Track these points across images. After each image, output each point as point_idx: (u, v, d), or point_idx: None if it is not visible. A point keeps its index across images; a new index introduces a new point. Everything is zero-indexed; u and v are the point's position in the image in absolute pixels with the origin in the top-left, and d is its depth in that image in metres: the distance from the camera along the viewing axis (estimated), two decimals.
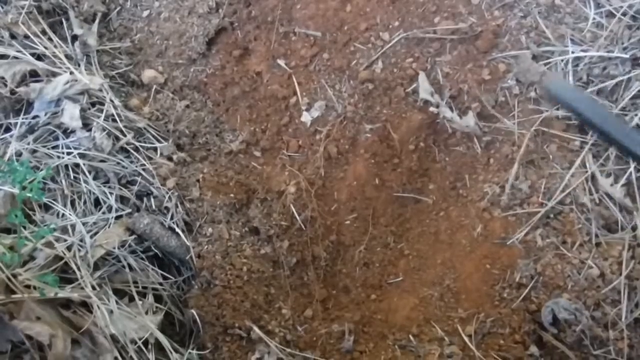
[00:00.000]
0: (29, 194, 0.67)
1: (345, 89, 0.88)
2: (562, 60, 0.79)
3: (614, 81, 0.77)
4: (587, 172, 0.76)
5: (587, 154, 0.77)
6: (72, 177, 0.82)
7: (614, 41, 0.78)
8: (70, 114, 0.84)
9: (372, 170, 0.85)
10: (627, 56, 0.76)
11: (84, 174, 0.82)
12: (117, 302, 0.73)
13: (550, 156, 0.77)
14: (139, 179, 0.83)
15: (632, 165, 0.74)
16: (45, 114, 0.85)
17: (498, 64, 0.82)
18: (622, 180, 0.74)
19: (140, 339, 0.72)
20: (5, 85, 0.86)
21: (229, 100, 0.95)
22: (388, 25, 0.87)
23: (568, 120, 0.78)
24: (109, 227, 0.79)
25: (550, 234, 0.74)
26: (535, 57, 0.80)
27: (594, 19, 0.80)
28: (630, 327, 0.68)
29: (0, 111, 0.86)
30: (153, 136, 0.88)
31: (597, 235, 0.73)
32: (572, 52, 0.79)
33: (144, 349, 0.72)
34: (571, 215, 0.74)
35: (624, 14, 0.78)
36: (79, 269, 0.73)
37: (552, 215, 0.76)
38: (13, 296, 0.66)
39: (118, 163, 0.84)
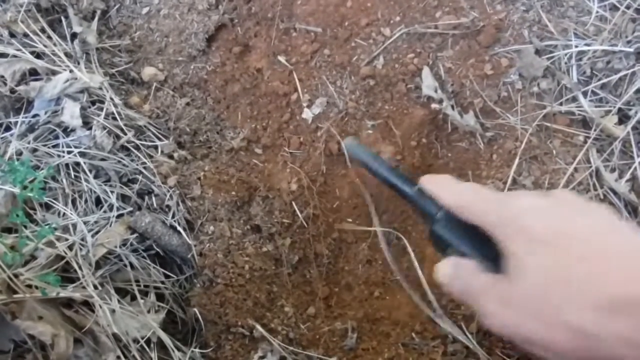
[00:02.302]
0: (30, 194, 0.66)
1: (347, 85, 0.87)
2: (565, 55, 0.78)
3: (617, 75, 0.76)
4: (591, 167, 0.75)
5: (591, 148, 0.76)
6: (72, 176, 0.82)
7: (618, 35, 0.77)
8: (71, 113, 0.83)
9: None
10: (631, 50, 0.76)
11: (85, 172, 0.82)
12: (119, 301, 0.73)
13: (554, 151, 0.77)
14: (139, 177, 0.83)
15: (637, 159, 0.73)
16: (46, 113, 0.85)
17: (500, 58, 0.81)
18: (627, 176, 0.74)
19: (142, 338, 0.72)
20: (5, 84, 0.86)
21: (230, 98, 0.94)
22: (389, 20, 0.86)
23: (572, 115, 0.78)
24: (110, 226, 0.79)
25: None
26: (538, 52, 0.79)
27: (597, 12, 0.79)
28: None
29: (0, 110, 0.86)
30: (154, 134, 0.88)
31: None
32: (576, 46, 0.78)
33: (146, 347, 0.72)
34: None
35: (628, 7, 0.77)
36: (80, 268, 0.72)
37: None
38: (15, 296, 0.65)
39: (119, 161, 0.83)
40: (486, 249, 0.40)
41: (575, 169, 0.75)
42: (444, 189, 0.44)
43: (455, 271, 0.41)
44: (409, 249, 0.79)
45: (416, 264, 0.76)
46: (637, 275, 0.32)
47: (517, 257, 0.36)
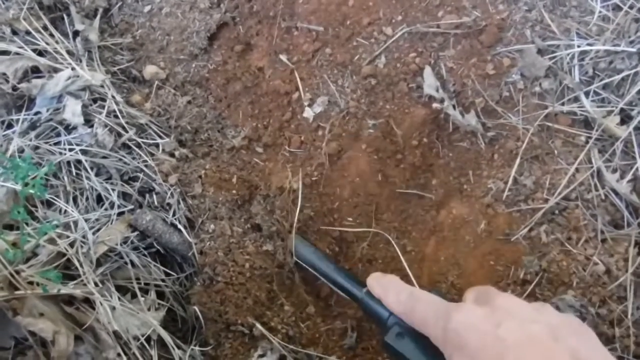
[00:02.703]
0: (31, 190, 0.66)
1: (348, 84, 0.87)
2: (567, 54, 0.78)
3: (620, 75, 0.76)
4: (592, 167, 0.75)
5: (592, 149, 0.76)
6: (74, 174, 0.82)
7: (621, 35, 0.77)
8: (72, 110, 0.84)
9: (374, 166, 0.84)
10: (634, 50, 0.75)
11: (86, 170, 0.82)
12: (119, 298, 0.73)
13: (555, 151, 0.77)
14: (141, 175, 0.83)
15: (639, 160, 0.73)
16: (47, 110, 0.85)
17: (502, 58, 0.81)
18: (629, 176, 0.73)
19: (142, 336, 0.72)
20: (7, 82, 0.86)
21: (231, 96, 0.94)
22: (391, 19, 0.86)
23: (574, 115, 0.78)
24: (111, 223, 0.79)
25: (555, 230, 0.74)
26: (540, 51, 0.79)
27: (600, 12, 0.78)
28: (636, 324, 0.68)
29: (2, 107, 0.86)
30: (155, 132, 0.88)
31: (602, 232, 0.72)
32: (578, 46, 0.78)
33: (146, 345, 0.72)
34: (576, 211, 0.74)
35: (631, 7, 0.77)
36: (81, 265, 0.73)
37: (557, 212, 0.75)
38: (16, 292, 0.66)
39: (120, 159, 0.84)
40: (439, 356, 0.40)
41: (577, 169, 0.75)
42: (389, 293, 0.44)
43: None
44: (398, 252, 0.79)
45: (405, 264, 0.77)
46: None
47: None
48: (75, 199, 0.81)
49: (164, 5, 0.97)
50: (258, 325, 0.74)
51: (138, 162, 0.84)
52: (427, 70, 0.82)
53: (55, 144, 0.83)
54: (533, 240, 0.74)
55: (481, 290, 0.43)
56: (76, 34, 0.93)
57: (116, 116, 0.86)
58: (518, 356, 0.35)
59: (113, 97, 0.87)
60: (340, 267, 0.55)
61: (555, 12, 0.80)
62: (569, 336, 0.37)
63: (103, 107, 0.86)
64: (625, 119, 0.76)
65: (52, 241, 0.73)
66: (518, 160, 0.77)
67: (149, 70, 0.95)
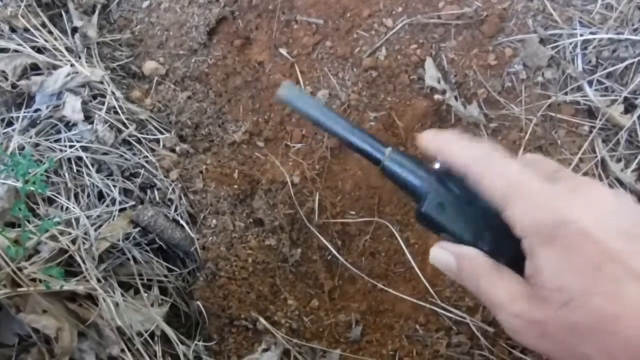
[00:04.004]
0: (32, 187, 0.66)
1: (349, 77, 0.86)
2: (570, 43, 0.77)
3: (623, 64, 0.75)
4: (596, 157, 0.74)
5: (596, 138, 0.75)
6: (75, 171, 0.82)
7: (624, 23, 0.76)
8: (72, 107, 0.83)
9: None
10: (637, 38, 0.75)
11: (87, 167, 0.82)
12: (122, 294, 0.73)
13: (559, 142, 0.76)
14: (142, 171, 0.83)
15: None
16: (47, 107, 0.84)
17: (504, 48, 0.80)
18: (633, 165, 0.73)
19: (146, 331, 0.72)
20: (6, 79, 0.85)
21: (231, 91, 0.94)
22: (391, 11, 0.86)
23: (577, 104, 0.77)
24: (113, 219, 0.79)
25: None
26: (542, 41, 0.78)
27: (603, 0, 0.78)
28: None
29: (2, 105, 0.86)
30: (155, 128, 0.88)
31: None
32: (581, 35, 0.77)
33: (150, 341, 0.72)
34: None
35: None
36: (83, 261, 0.72)
37: None
38: (19, 289, 0.65)
39: (121, 155, 0.83)
40: (489, 232, 0.33)
41: (581, 159, 0.75)
42: (456, 145, 0.34)
43: (461, 265, 0.34)
44: (402, 244, 0.79)
45: (409, 256, 0.76)
46: None
47: (551, 278, 0.30)
48: (76, 196, 0.80)
49: (163, 0, 0.96)
50: (261, 320, 0.74)
51: (139, 158, 0.83)
52: (429, 62, 0.82)
53: (56, 141, 0.83)
54: None
55: (558, 168, 0.34)
56: (75, 30, 0.93)
57: (116, 112, 0.85)
58: (624, 267, 0.28)
59: (113, 93, 0.87)
60: (352, 122, 0.44)
61: (557, 1, 0.80)
62: None
63: (103, 103, 0.85)
64: (629, 107, 0.76)
65: (54, 238, 0.73)
66: (521, 151, 0.77)
67: (149, 65, 0.94)
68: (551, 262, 0.30)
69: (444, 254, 0.35)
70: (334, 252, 0.82)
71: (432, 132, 0.36)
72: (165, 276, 0.79)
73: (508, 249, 0.32)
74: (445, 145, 0.34)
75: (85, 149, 0.82)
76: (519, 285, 0.32)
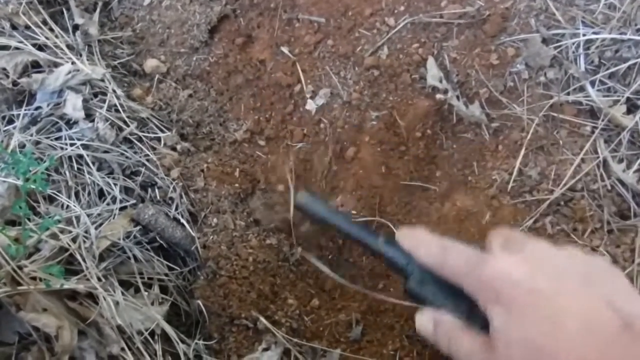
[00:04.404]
0: (32, 185, 0.66)
1: (351, 75, 0.86)
2: (572, 43, 0.77)
3: (626, 64, 0.75)
4: (598, 157, 0.74)
5: (598, 139, 0.75)
6: (75, 169, 0.81)
7: (627, 22, 0.76)
8: (73, 105, 0.83)
9: (378, 159, 0.84)
10: None
11: (88, 165, 0.81)
12: (122, 293, 0.73)
13: (561, 142, 0.76)
14: (143, 169, 0.83)
15: None
16: (48, 105, 0.84)
17: (507, 48, 0.80)
18: (635, 166, 0.73)
19: (146, 330, 0.72)
20: (8, 77, 0.85)
21: (233, 89, 0.93)
22: (393, 10, 0.85)
23: (579, 105, 0.77)
24: (113, 218, 0.79)
25: (560, 221, 0.73)
26: (545, 41, 0.78)
27: (605, 0, 0.77)
28: None
29: (3, 103, 0.86)
30: (156, 126, 0.88)
31: (609, 222, 0.72)
32: (584, 35, 0.77)
33: (150, 339, 0.72)
34: (582, 202, 0.73)
35: None
36: (84, 260, 0.72)
37: (562, 202, 0.74)
38: (19, 288, 0.65)
39: (122, 154, 0.83)
40: (463, 302, 0.40)
41: (583, 160, 0.74)
42: (420, 246, 0.44)
43: (436, 329, 0.42)
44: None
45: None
46: (609, 350, 0.32)
47: (499, 328, 0.36)
48: (77, 194, 0.80)
49: None
50: (262, 319, 0.74)
51: (140, 157, 0.83)
52: (431, 61, 0.81)
53: (57, 138, 0.83)
54: (538, 232, 0.73)
55: (507, 235, 0.41)
56: (76, 28, 0.93)
57: (117, 110, 0.85)
58: (553, 306, 0.34)
59: (114, 91, 0.86)
60: (352, 219, 0.55)
61: (560, 1, 0.79)
62: (603, 282, 0.36)
63: (104, 101, 0.85)
64: (631, 108, 0.75)
65: (54, 236, 0.73)
66: (523, 151, 0.76)
67: (150, 63, 0.94)
68: (496, 315, 0.36)
69: (424, 319, 0.43)
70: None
71: (404, 232, 0.46)
72: (166, 275, 0.79)
73: (480, 316, 0.38)
74: (412, 249, 0.44)
75: (86, 147, 0.82)
76: (480, 339, 0.38)
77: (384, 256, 0.48)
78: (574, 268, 0.37)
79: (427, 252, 0.43)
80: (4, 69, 0.85)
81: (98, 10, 0.96)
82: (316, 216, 0.53)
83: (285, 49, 0.90)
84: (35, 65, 0.88)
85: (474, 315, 0.39)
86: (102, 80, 0.87)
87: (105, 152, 0.83)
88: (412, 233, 0.45)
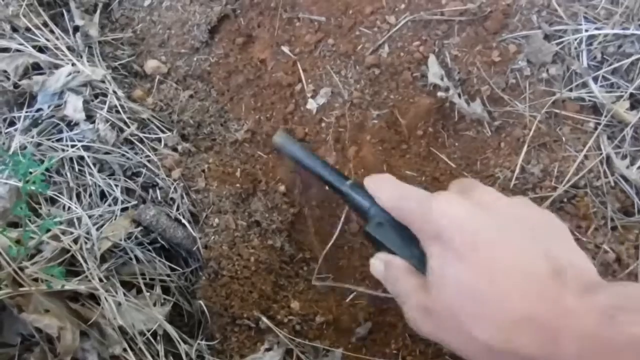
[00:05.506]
0: (32, 187, 0.66)
1: (351, 74, 0.86)
2: (575, 39, 0.76)
3: (629, 60, 0.74)
4: (601, 154, 0.74)
5: (601, 135, 0.74)
6: (77, 170, 0.82)
7: (630, 18, 0.75)
8: (74, 106, 0.83)
9: (379, 157, 0.83)
10: None
11: (89, 166, 0.81)
12: (124, 294, 0.73)
13: (563, 138, 0.75)
14: (144, 170, 0.83)
15: None
16: (49, 107, 0.84)
17: (508, 45, 0.79)
18: (639, 162, 0.72)
19: (148, 331, 0.72)
20: (8, 79, 0.85)
21: (233, 89, 0.93)
22: (394, 8, 0.85)
23: (582, 101, 0.76)
24: (115, 219, 0.79)
25: (564, 218, 0.72)
26: (547, 37, 0.78)
27: None
28: None
29: (4, 105, 0.86)
30: (157, 127, 0.87)
31: (612, 219, 0.71)
32: (586, 31, 0.76)
33: (152, 340, 0.72)
34: (585, 199, 0.72)
35: None
36: (85, 261, 0.72)
37: (565, 200, 0.74)
38: (21, 289, 0.65)
39: (123, 155, 0.83)
40: (418, 249, 0.40)
41: (586, 156, 0.74)
42: (383, 191, 0.44)
43: (386, 270, 0.43)
44: None
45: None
46: (537, 295, 0.33)
47: (435, 268, 0.37)
48: (78, 196, 0.80)
49: None
50: (264, 319, 0.74)
51: (141, 158, 0.83)
52: (432, 59, 0.81)
53: (58, 140, 0.83)
54: None
55: (466, 182, 0.43)
56: (76, 29, 0.93)
57: (118, 111, 0.85)
58: (490, 252, 0.35)
59: (114, 92, 0.86)
60: (325, 162, 0.56)
61: None
62: (545, 235, 0.36)
63: (104, 102, 0.85)
64: (635, 104, 0.75)
65: (55, 238, 0.73)
66: (525, 148, 0.76)
67: (150, 64, 0.94)
68: (434, 254, 0.37)
69: (377, 261, 0.44)
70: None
71: (371, 177, 0.47)
72: (168, 275, 0.79)
73: (422, 257, 0.39)
74: (375, 193, 0.45)
75: (87, 148, 0.82)
76: (420, 280, 0.39)
77: (348, 198, 0.49)
78: (519, 218, 0.37)
79: (387, 195, 0.44)
80: (5, 71, 0.85)
81: (98, 11, 0.96)
82: (291, 155, 0.56)
83: (285, 49, 0.90)
84: (36, 67, 0.88)
85: (424, 261, 0.39)
86: (103, 82, 0.87)
87: (106, 153, 0.83)
88: (378, 177, 0.46)
